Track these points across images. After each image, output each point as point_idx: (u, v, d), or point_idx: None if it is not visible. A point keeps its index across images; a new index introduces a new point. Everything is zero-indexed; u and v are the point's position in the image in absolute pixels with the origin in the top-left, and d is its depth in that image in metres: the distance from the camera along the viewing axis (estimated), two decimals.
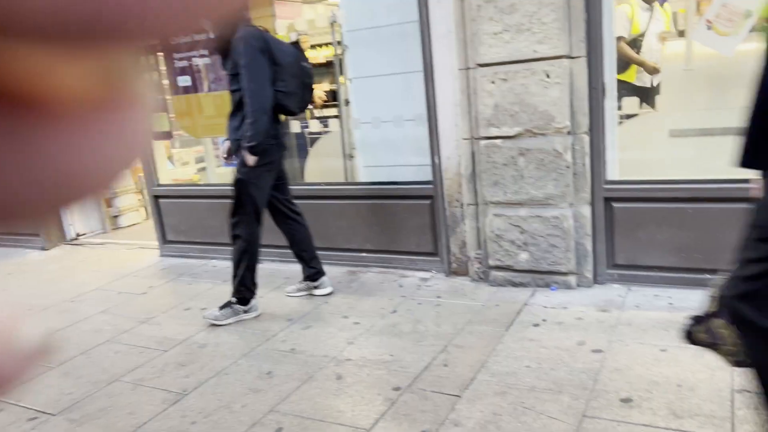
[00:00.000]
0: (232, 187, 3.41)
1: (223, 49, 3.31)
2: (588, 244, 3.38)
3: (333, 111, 5.25)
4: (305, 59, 3.45)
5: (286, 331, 3.28)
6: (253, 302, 3.52)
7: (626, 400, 2.29)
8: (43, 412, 2.70)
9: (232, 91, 3.32)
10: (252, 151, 3.24)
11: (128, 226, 6.38)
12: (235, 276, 3.45)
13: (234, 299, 3.46)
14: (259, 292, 3.84)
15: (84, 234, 5.94)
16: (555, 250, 3.37)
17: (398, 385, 2.59)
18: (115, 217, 6.29)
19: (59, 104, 0.17)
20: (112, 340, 3.42)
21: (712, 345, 1.71)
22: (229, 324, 3.43)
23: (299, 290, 3.81)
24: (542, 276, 3.46)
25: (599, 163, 3.31)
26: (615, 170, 3.39)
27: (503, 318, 3.15)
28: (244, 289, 3.45)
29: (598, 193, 3.34)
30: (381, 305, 3.50)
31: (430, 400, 2.44)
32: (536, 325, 3.03)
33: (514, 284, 3.54)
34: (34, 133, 0.17)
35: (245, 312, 3.49)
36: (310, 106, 3.80)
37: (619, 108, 3.43)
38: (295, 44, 3.48)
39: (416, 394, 2.50)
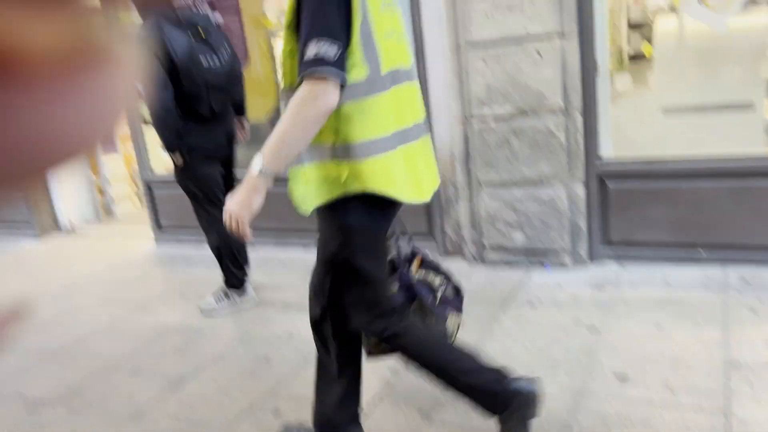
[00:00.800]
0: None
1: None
2: (582, 223, 3.38)
3: None
4: (208, 52, 3.06)
5: (282, 316, 3.28)
6: (247, 288, 3.51)
7: (622, 377, 2.31)
8: (42, 400, 2.70)
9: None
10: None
11: (122, 215, 6.35)
12: (220, 266, 3.44)
13: (227, 287, 3.46)
14: (255, 277, 3.85)
15: (77, 222, 5.91)
16: (549, 229, 3.38)
17: (394, 366, 2.60)
18: (109, 205, 6.26)
19: (31, 64, 0.16)
20: (109, 329, 3.42)
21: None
22: (226, 312, 3.44)
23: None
24: (537, 256, 3.47)
25: (592, 142, 3.30)
26: (609, 148, 3.38)
27: (499, 298, 3.16)
28: (232, 276, 3.44)
29: (591, 171, 3.34)
30: None
31: (427, 381, 2.45)
32: (532, 304, 3.04)
33: (510, 264, 3.55)
34: (6, 96, 0.16)
35: (239, 296, 3.48)
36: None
37: (612, 85, 3.42)
38: (198, 35, 3.05)
39: (412, 376, 2.51)
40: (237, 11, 4.21)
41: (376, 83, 1.54)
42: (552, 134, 3.24)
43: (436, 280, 2.03)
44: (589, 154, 3.32)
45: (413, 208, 3.88)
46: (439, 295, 2.00)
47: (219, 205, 3.27)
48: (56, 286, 4.29)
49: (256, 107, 4.44)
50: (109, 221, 6.15)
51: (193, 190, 3.34)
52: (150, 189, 4.96)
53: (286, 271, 3.99)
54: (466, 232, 3.72)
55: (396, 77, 1.61)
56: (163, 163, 5.33)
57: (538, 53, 3.15)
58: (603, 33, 3.25)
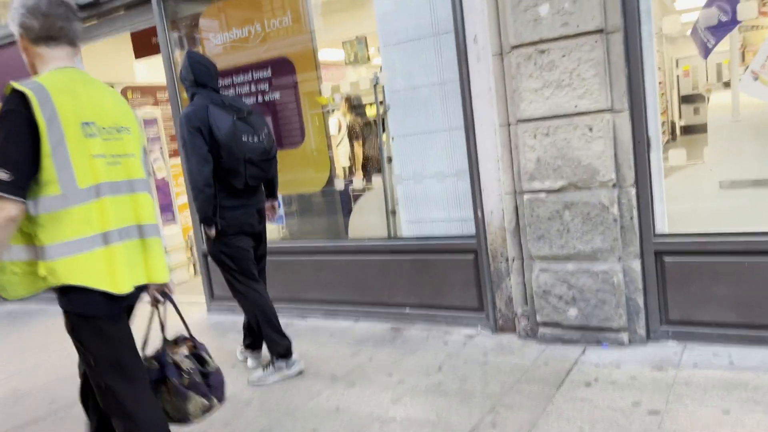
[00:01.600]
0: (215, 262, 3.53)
1: None
2: (639, 300, 3.28)
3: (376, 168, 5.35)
4: (250, 132, 3.29)
5: (330, 390, 3.25)
6: (294, 356, 3.51)
7: None
8: None
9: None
10: (205, 224, 3.34)
11: (178, 283, 6.53)
12: (264, 337, 3.50)
13: (274, 357, 3.48)
14: (305, 348, 3.86)
15: None
16: (605, 305, 3.28)
17: None
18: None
19: None
20: None
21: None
22: (275, 382, 3.44)
23: (242, 353, 3.86)
24: (593, 333, 3.36)
25: (647, 216, 3.24)
26: (664, 223, 3.31)
27: (553, 377, 3.05)
28: (276, 345, 3.46)
29: (647, 246, 3.26)
30: (426, 363, 3.44)
31: None
32: (588, 384, 2.92)
33: (564, 341, 3.44)
34: None
35: (287, 368, 3.48)
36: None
37: (665, 160, 3.39)
38: (241, 116, 3.29)
39: None
40: (294, 90, 4.43)
41: (71, 198, 1.91)
42: (605, 208, 3.20)
43: (187, 364, 2.36)
44: (645, 229, 3.25)
45: (463, 282, 3.87)
46: (186, 378, 2.31)
47: (252, 277, 3.46)
48: None
49: (310, 180, 4.59)
50: None
51: (226, 263, 3.46)
52: (205, 258, 5.11)
53: (335, 342, 3.98)
54: (518, 307, 3.65)
55: (102, 190, 1.98)
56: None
57: (589, 128, 3.17)
58: (654, 106, 3.25)
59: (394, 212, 4.48)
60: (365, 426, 2.78)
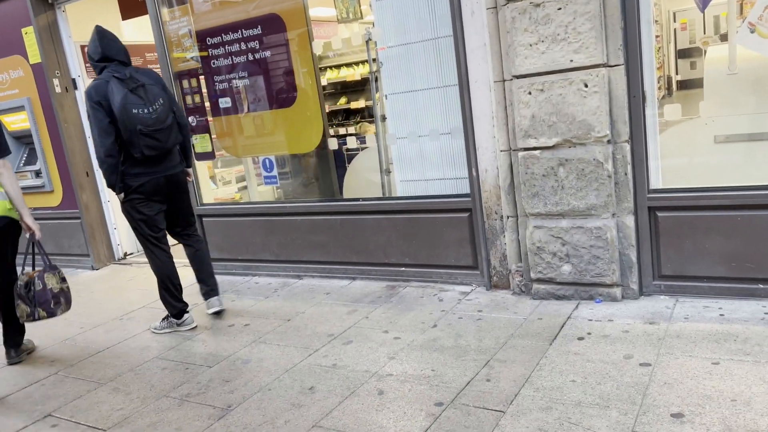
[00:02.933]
0: None
1: None
2: (633, 255, 3.30)
3: (370, 127, 5.31)
4: (138, 105, 3.45)
5: (327, 347, 3.29)
6: (186, 316, 3.87)
7: (677, 415, 2.22)
8: (95, 427, 2.78)
9: None
10: (115, 192, 3.62)
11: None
12: (160, 297, 3.88)
13: (168, 315, 3.90)
14: (302, 308, 3.90)
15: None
16: (598, 261, 3.31)
17: (440, 400, 2.57)
18: None
19: None
20: (159, 357, 3.50)
21: None
22: (166, 333, 3.86)
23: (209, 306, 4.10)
24: (586, 288, 3.39)
25: (642, 172, 3.24)
26: (658, 179, 3.31)
27: (546, 332, 3.10)
28: (170, 306, 3.84)
29: (641, 202, 3.27)
30: (421, 319, 3.48)
31: (474, 415, 2.42)
32: (581, 338, 2.97)
33: (557, 297, 3.48)
34: None
35: (178, 325, 3.86)
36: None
37: (661, 115, 3.36)
38: (133, 89, 3.47)
39: (459, 410, 2.47)
40: (285, 48, 4.35)
41: None
42: (600, 164, 3.19)
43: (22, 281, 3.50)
44: (639, 185, 3.25)
45: (457, 241, 3.89)
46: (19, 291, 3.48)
47: (156, 241, 3.83)
48: (111, 316, 4.43)
49: (304, 140, 4.55)
50: None
51: (133, 225, 3.76)
52: (200, 220, 5.10)
53: (331, 301, 4.02)
54: (512, 264, 3.68)
55: None
56: (212, 194, 5.49)
57: (584, 84, 3.14)
58: (650, 60, 3.21)
59: (388, 171, 4.46)
60: (362, 382, 2.83)
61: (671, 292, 3.29)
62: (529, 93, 3.29)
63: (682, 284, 3.26)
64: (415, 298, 3.85)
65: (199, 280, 4.04)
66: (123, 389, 3.13)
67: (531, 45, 3.22)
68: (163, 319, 3.91)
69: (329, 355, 3.19)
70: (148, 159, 3.58)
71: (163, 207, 3.78)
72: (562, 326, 3.13)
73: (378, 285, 4.18)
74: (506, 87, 3.43)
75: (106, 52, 3.53)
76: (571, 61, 3.14)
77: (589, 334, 3.00)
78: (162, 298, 3.85)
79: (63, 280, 3.64)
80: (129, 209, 3.68)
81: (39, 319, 3.47)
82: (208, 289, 4.03)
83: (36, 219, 3.57)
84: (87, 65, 5.81)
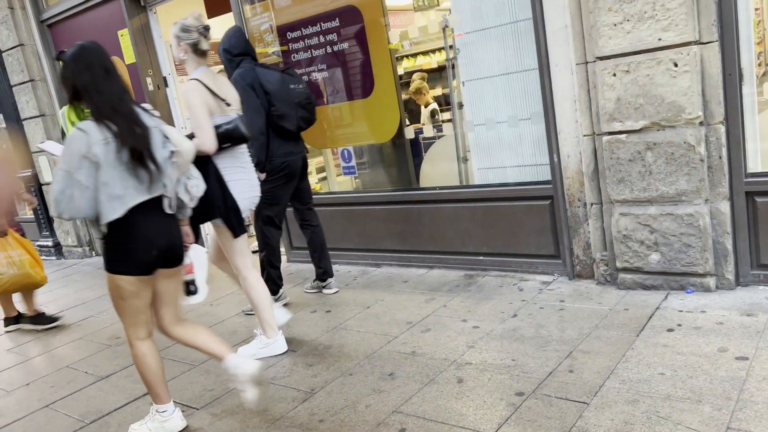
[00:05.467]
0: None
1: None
2: (728, 243, 3.11)
3: (447, 115, 5.26)
4: (295, 82, 3.88)
5: (406, 334, 3.33)
6: (280, 292, 4.10)
7: None
8: (189, 406, 2.95)
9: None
10: (258, 169, 3.64)
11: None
12: (266, 276, 3.98)
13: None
14: (380, 296, 3.96)
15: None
16: (690, 250, 3.14)
17: (521, 390, 2.54)
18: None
19: None
20: (246, 341, 3.66)
21: None
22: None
23: (312, 288, 4.38)
24: (676, 278, 3.24)
25: (738, 155, 3.04)
26: (757, 162, 3.10)
27: (633, 322, 2.98)
28: (273, 284, 3.98)
29: (737, 187, 3.07)
30: (501, 309, 3.45)
31: (556, 406, 2.37)
32: (670, 330, 2.84)
33: (645, 287, 3.34)
34: None
35: (275, 300, 3.90)
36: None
37: (760, 94, 3.14)
38: (284, 71, 3.91)
39: (540, 400, 2.44)
40: (362, 38, 4.39)
41: None
42: (691, 148, 3.03)
43: None
44: (735, 169, 3.06)
45: (538, 229, 3.80)
46: None
47: (278, 225, 4.02)
48: (201, 301, 4.66)
49: (381, 130, 4.59)
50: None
51: (266, 202, 3.78)
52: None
53: (409, 289, 4.05)
54: (597, 253, 3.56)
55: None
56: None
57: (674, 63, 2.98)
58: (748, 36, 3.00)
59: (465, 159, 4.42)
60: (441, 370, 2.84)
61: None
62: (614, 75, 3.16)
63: None
64: (494, 288, 3.81)
65: (317, 260, 4.26)
66: (213, 371, 3.30)
67: (615, 24, 3.09)
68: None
69: (408, 342, 3.22)
70: (293, 138, 3.91)
71: (291, 190, 4.02)
72: (650, 317, 3.01)
73: (456, 274, 4.17)
74: (589, 69, 3.31)
75: (246, 47, 3.91)
76: (660, 39, 2.99)
77: (679, 325, 2.87)
78: (267, 276, 3.97)
79: None
80: (269, 190, 3.80)
81: None
82: (323, 271, 4.27)
83: None
84: (177, 64, 6.11)
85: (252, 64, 3.84)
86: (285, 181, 3.91)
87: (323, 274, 4.28)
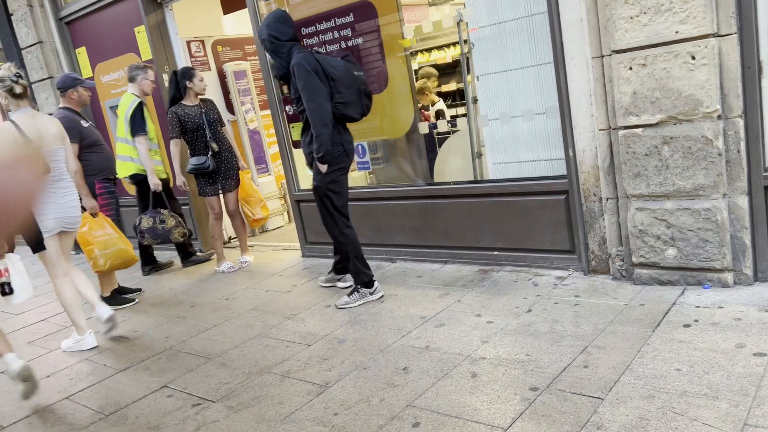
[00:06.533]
0: (314, 195, 3.90)
1: (285, 77, 3.75)
2: (746, 238, 3.08)
3: (461, 110, 5.24)
4: (357, 69, 3.78)
5: (420, 329, 3.33)
6: (376, 284, 3.93)
7: None
8: (205, 399, 2.98)
9: (300, 112, 3.76)
10: (321, 160, 3.67)
11: (273, 229, 6.83)
12: (353, 268, 3.91)
13: (359, 285, 3.90)
14: (394, 291, 3.96)
15: (234, 237, 6.44)
16: (707, 245, 3.11)
17: (536, 385, 2.54)
18: (232, 238, 6.74)
19: None
20: (262, 335, 3.69)
21: None
22: (360, 305, 3.83)
23: (327, 281, 4.37)
24: (693, 273, 3.21)
25: (757, 149, 3.00)
26: None
27: (649, 318, 2.96)
28: (363, 275, 3.87)
29: (757, 181, 3.03)
30: (515, 304, 3.44)
31: (570, 401, 2.37)
32: (687, 325, 2.82)
33: (661, 282, 3.31)
34: None
35: (371, 294, 3.88)
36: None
37: None
38: (344, 57, 3.81)
39: (555, 395, 2.43)
40: (377, 34, 4.39)
41: None
42: (709, 142, 2.99)
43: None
44: (753, 163, 3.02)
45: (553, 224, 3.78)
46: None
47: (348, 215, 3.91)
48: (217, 296, 4.71)
49: (395, 125, 4.59)
50: (262, 236, 6.64)
51: (328, 196, 3.79)
52: (298, 205, 5.29)
53: (423, 283, 4.05)
54: (612, 248, 3.54)
55: None
56: (309, 181, 5.67)
57: (692, 56, 2.94)
58: None
59: (480, 154, 4.41)
60: (455, 364, 2.85)
61: None
62: (630, 68, 3.13)
63: None
64: (509, 283, 3.80)
65: (343, 254, 4.13)
66: (229, 364, 3.33)
67: (632, 17, 3.06)
68: (351, 293, 3.90)
69: (422, 337, 3.23)
70: (347, 126, 3.82)
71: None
72: (666, 313, 2.98)
73: (470, 269, 4.17)
74: (605, 63, 3.28)
75: (295, 33, 3.76)
76: (677, 32, 2.95)
77: (696, 321, 2.84)
78: (355, 268, 3.88)
79: (157, 221, 5.21)
80: (330, 182, 3.76)
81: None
82: (343, 266, 4.23)
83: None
84: (193, 59, 6.15)
85: (307, 51, 3.71)
86: (344, 169, 3.82)
87: (343, 269, 4.24)
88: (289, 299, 4.29)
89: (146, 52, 6.04)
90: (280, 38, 3.66)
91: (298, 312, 3.98)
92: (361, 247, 3.91)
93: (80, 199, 4.11)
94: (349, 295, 3.90)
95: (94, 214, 4.63)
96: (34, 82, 7.03)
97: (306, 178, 5.54)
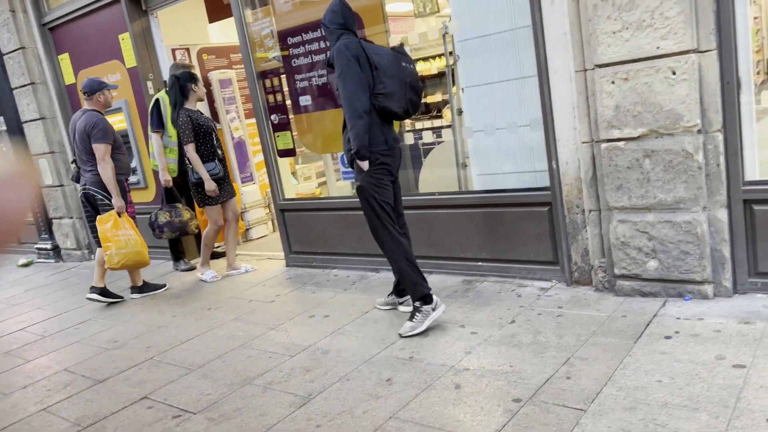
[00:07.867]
0: (359, 198, 3.47)
1: (331, 63, 3.44)
2: (726, 251, 3.12)
3: (446, 121, 5.27)
4: (407, 60, 3.44)
5: (404, 340, 3.33)
6: (435, 298, 3.42)
7: None
8: (186, 410, 2.95)
9: (341, 105, 3.40)
10: (358, 155, 3.29)
11: (258, 238, 6.80)
12: (402, 280, 3.47)
13: (417, 303, 3.39)
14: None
15: (219, 246, 6.40)
16: (688, 257, 3.15)
17: (519, 396, 2.54)
18: (247, 229, 6.72)
19: None
20: (244, 345, 3.66)
21: None
22: (427, 328, 3.36)
23: (386, 303, 3.87)
24: (674, 285, 3.24)
25: (736, 163, 3.05)
26: (755, 170, 3.11)
27: (631, 329, 2.99)
28: (419, 286, 3.38)
29: (735, 195, 3.08)
30: (499, 315, 3.45)
31: (553, 413, 2.37)
32: (668, 337, 2.84)
33: (643, 294, 3.35)
34: None
35: (433, 310, 3.39)
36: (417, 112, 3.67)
37: (758, 102, 3.15)
38: (395, 47, 3.52)
39: (538, 407, 2.44)
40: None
41: None
42: (689, 155, 3.04)
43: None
44: (732, 177, 3.07)
45: (537, 235, 3.81)
46: None
47: (392, 220, 3.43)
48: (199, 306, 4.67)
49: None
50: (246, 244, 6.60)
51: (373, 196, 3.38)
52: (282, 214, 5.27)
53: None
54: (595, 260, 3.57)
55: None
56: (293, 190, 5.66)
57: (672, 71, 2.99)
58: (746, 44, 3.02)
59: (465, 165, 4.43)
60: (438, 375, 2.84)
61: None
62: (613, 82, 3.17)
63: None
64: (493, 293, 3.81)
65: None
66: (211, 375, 3.30)
67: (614, 32, 3.11)
68: (412, 317, 3.39)
69: (406, 348, 3.22)
70: (392, 123, 3.47)
71: (391, 179, 3.50)
72: (648, 324, 3.01)
73: (454, 279, 4.18)
74: (588, 77, 3.32)
75: (348, 23, 3.43)
76: (658, 48, 3.00)
77: (677, 332, 2.87)
78: (410, 280, 3.38)
79: (173, 215, 5.34)
80: (372, 181, 3.37)
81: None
82: (403, 287, 3.67)
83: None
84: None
85: (355, 39, 3.39)
86: (387, 169, 3.41)
87: (403, 290, 3.71)
88: (273, 309, 4.26)
89: (130, 59, 6.00)
90: (328, 26, 3.45)
91: (282, 322, 3.95)
92: (413, 258, 3.45)
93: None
94: (411, 318, 3.39)
95: (119, 213, 4.75)
96: (16, 88, 6.95)
97: (290, 188, 5.53)
